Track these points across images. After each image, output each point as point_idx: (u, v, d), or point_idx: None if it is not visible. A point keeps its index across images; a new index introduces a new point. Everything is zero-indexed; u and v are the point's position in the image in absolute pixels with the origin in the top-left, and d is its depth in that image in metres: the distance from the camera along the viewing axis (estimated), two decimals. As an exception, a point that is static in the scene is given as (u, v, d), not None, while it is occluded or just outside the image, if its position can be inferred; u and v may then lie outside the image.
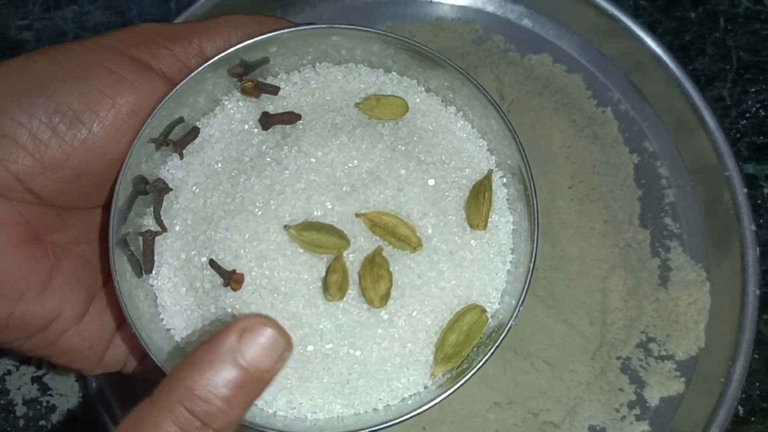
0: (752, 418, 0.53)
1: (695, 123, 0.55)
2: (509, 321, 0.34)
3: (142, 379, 0.52)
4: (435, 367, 0.35)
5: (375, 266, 0.33)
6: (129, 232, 0.35)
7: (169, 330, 0.35)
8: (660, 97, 0.57)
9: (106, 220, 0.34)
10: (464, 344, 0.34)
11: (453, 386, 0.33)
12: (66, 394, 0.53)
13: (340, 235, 0.34)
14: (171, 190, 0.35)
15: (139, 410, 0.28)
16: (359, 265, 0.34)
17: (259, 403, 0.34)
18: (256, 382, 0.28)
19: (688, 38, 0.61)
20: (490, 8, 0.60)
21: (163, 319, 0.35)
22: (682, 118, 0.56)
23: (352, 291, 0.34)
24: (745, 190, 0.53)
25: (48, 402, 0.53)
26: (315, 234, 0.33)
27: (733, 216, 0.53)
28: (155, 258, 0.35)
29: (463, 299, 0.35)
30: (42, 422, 0.52)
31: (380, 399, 0.35)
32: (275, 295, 0.33)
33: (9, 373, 0.53)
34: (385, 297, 0.33)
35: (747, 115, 0.59)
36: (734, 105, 0.59)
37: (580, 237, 0.53)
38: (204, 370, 0.28)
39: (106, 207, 0.34)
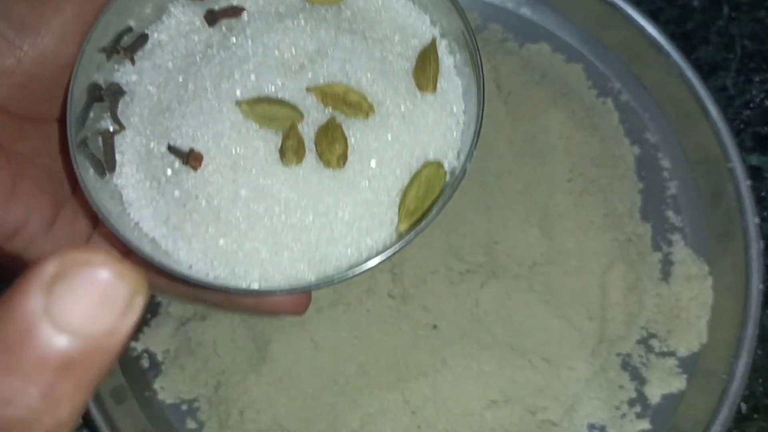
0: (755, 415, 0.52)
1: (698, 113, 0.54)
2: (464, 165, 0.35)
3: (128, 372, 0.52)
4: (400, 224, 0.35)
5: (329, 130, 0.34)
6: (88, 135, 0.36)
7: (137, 223, 0.36)
8: (662, 87, 0.56)
9: (64, 132, 0.35)
10: (425, 197, 0.35)
11: (416, 230, 0.34)
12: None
13: (292, 107, 0.34)
14: (125, 93, 0.36)
15: None
16: (314, 136, 0.35)
17: (232, 279, 0.35)
18: (91, 355, 0.18)
19: (691, 26, 0.59)
20: (487, -3, 0.59)
21: (130, 214, 0.36)
22: (685, 108, 0.55)
23: (311, 159, 0.34)
24: (749, 182, 0.52)
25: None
26: (267, 106, 0.34)
27: (736, 208, 0.52)
28: (116, 157, 0.36)
29: (420, 160, 0.36)
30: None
31: (350, 264, 0.35)
32: (235, 171, 0.34)
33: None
34: (342, 157, 0.34)
35: (751, 105, 0.58)
36: (738, 95, 0.58)
37: (579, 231, 0.52)
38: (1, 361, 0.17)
39: (63, 121, 0.35)
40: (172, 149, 0.34)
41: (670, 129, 0.56)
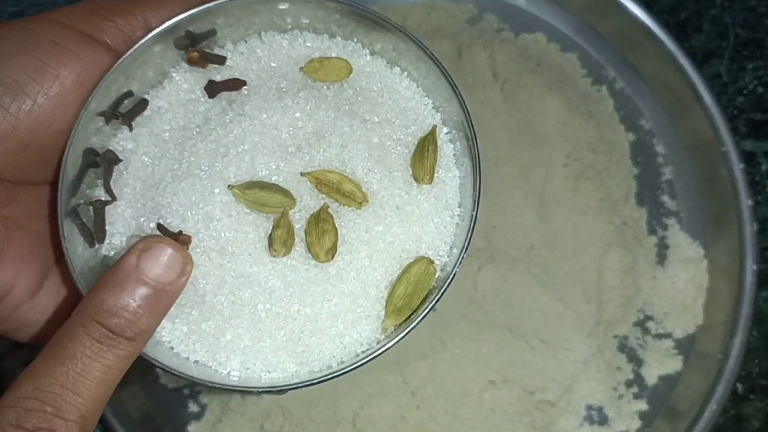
0: (751, 396, 0.53)
1: (691, 99, 0.55)
2: (453, 269, 0.34)
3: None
4: (386, 320, 0.35)
5: (320, 222, 0.34)
6: (80, 203, 0.35)
7: None
8: (656, 75, 0.57)
9: (56, 196, 0.34)
10: (413, 295, 0.34)
11: (401, 333, 0.34)
12: (60, 378, 0.53)
13: (284, 193, 0.34)
14: (120, 161, 0.36)
15: (56, 332, 0.30)
16: (306, 223, 0.34)
17: (213, 364, 0.35)
18: (160, 294, 0.31)
19: (685, 15, 0.60)
20: (483, -13, 0.59)
21: None
22: (679, 95, 0.56)
23: (300, 248, 0.34)
24: (742, 165, 0.52)
25: (42, 386, 0.53)
26: (259, 192, 0.34)
27: (730, 192, 0.52)
28: (106, 227, 0.35)
29: (411, 253, 0.35)
30: (36, 406, 0.52)
31: (333, 356, 0.35)
32: (222, 255, 0.34)
33: (3, 357, 0.53)
34: (331, 251, 0.34)
35: (744, 91, 0.59)
36: (731, 82, 0.59)
37: (576, 215, 0.53)
38: (109, 288, 0.31)
39: (56, 184, 0.34)
40: (161, 228, 0.34)
41: (665, 115, 0.57)
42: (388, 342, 0.34)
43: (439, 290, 0.34)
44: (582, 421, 0.51)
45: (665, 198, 0.55)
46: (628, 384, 0.52)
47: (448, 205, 0.36)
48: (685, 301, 0.53)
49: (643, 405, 0.51)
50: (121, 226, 0.35)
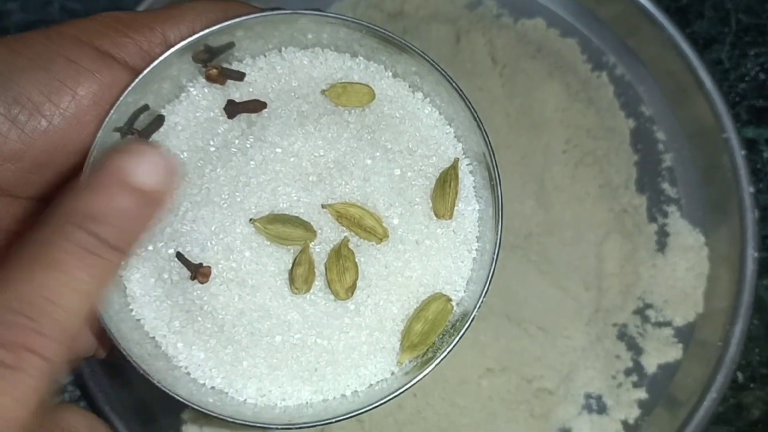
0: (752, 384, 0.52)
1: (693, 86, 0.54)
2: (473, 311, 0.34)
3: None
4: (401, 354, 0.35)
5: (341, 258, 0.34)
6: None
7: (138, 320, 0.35)
8: (657, 61, 0.56)
9: None
10: (429, 333, 0.35)
11: (419, 374, 0.34)
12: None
13: (305, 227, 0.34)
14: None
15: (27, 236, 0.27)
16: (326, 256, 0.34)
17: (230, 391, 0.35)
18: (149, 202, 0.28)
19: (686, 1, 0.59)
20: (482, -28, 0.59)
21: (132, 310, 0.35)
22: (680, 81, 0.55)
23: (319, 282, 0.34)
24: (744, 152, 0.52)
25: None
26: (281, 227, 0.33)
27: (731, 179, 0.52)
28: None
29: (429, 288, 0.35)
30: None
31: (348, 385, 0.35)
32: (242, 287, 0.34)
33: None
34: (351, 289, 0.34)
35: (746, 78, 0.58)
36: (733, 68, 0.58)
37: (575, 202, 0.53)
38: (93, 192, 0.28)
39: None
40: (180, 257, 0.34)
41: (666, 102, 0.56)
42: (408, 382, 0.34)
43: (458, 333, 0.34)
44: (581, 409, 0.50)
45: (665, 185, 0.55)
46: (628, 372, 0.51)
47: (467, 239, 0.36)
48: (686, 289, 0.52)
49: (642, 393, 0.51)
50: (137, 248, 0.35)
